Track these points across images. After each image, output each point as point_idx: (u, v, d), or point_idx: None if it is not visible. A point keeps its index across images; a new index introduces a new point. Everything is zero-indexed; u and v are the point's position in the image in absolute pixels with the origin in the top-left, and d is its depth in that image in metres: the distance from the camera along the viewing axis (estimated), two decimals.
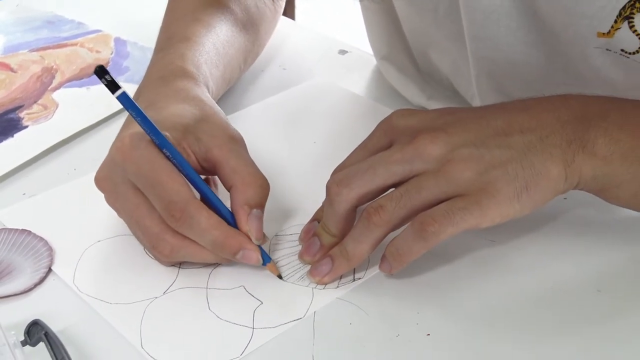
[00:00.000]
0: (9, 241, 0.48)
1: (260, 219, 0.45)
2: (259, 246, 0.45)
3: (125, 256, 0.48)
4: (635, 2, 0.48)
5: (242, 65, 0.65)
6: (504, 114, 0.46)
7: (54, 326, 0.41)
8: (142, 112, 0.43)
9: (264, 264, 0.45)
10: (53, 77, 0.68)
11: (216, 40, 0.59)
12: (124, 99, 0.43)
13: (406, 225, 0.44)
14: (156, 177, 0.43)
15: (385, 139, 0.47)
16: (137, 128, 0.45)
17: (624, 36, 0.49)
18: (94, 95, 0.65)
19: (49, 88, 0.66)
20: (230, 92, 0.65)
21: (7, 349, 0.37)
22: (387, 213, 0.43)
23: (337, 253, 0.46)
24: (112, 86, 0.43)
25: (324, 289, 0.46)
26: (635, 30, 0.49)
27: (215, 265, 0.47)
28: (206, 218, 0.43)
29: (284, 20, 0.76)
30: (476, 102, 0.63)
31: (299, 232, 0.49)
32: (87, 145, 0.59)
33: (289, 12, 0.80)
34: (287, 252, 0.49)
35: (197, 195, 0.45)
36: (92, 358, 0.41)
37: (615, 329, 0.43)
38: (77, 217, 0.51)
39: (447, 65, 0.65)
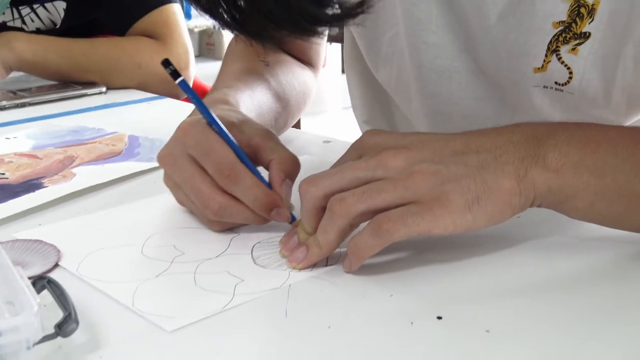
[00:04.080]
0: (22, 247, 0.55)
1: (290, 187, 0.55)
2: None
3: (125, 256, 0.54)
4: (558, 36, 0.57)
5: (272, 123, 0.74)
6: (462, 137, 0.52)
7: None
8: (197, 95, 0.56)
9: (291, 221, 0.55)
10: (73, 161, 0.77)
11: (252, 94, 0.70)
12: (183, 84, 0.55)
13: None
14: (210, 146, 0.54)
15: (355, 155, 0.54)
16: (188, 119, 0.57)
17: (556, 68, 0.59)
18: (108, 169, 0.74)
19: (69, 167, 0.75)
20: None
21: (23, 284, 0.42)
22: (347, 204, 0.49)
23: (310, 242, 0.51)
24: (175, 75, 0.55)
25: (300, 270, 0.51)
26: (564, 62, 0.58)
27: (204, 259, 0.53)
28: (250, 177, 0.54)
29: None
30: None
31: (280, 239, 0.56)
32: (100, 195, 0.67)
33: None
34: (269, 252, 0.54)
35: None
36: (91, 316, 0.46)
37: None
38: (84, 236, 0.58)
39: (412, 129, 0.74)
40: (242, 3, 0.43)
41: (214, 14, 0.45)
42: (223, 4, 0.44)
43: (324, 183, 0.51)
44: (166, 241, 0.56)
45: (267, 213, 0.54)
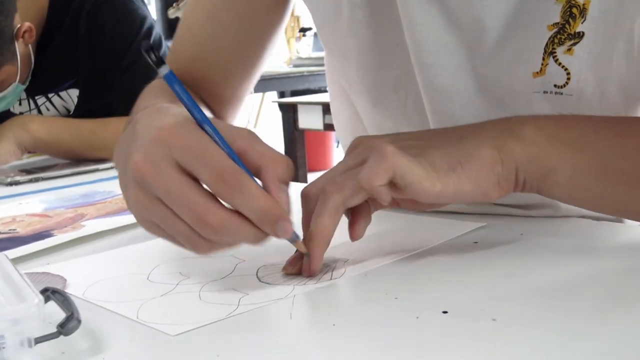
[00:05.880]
0: (29, 279, 0.55)
1: (287, 193, 0.48)
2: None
3: (131, 282, 0.54)
4: (554, 38, 0.59)
5: None
6: (443, 128, 0.57)
7: None
8: (186, 91, 0.47)
9: (294, 239, 0.49)
10: (83, 217, 0.78)
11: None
12: (169, 77, 0.46)
13: None
14: (205, 150, 0.45)
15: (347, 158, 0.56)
16: (170, 118, 0.48)
17: (554, 70, 0.60)
18: (116, 221, 0.75)
19: (79, 221, 0.76)
20: None
21: (25, 284, 0.42)
22: (338, 183, 0.51)
23: (306, 238, 0.51)
24: (158, 63, 0.46)
25: (304, 284, 0.51)
26: (560, 63, 0.59)
27: (209, 280, 0.53)
28: (255, 186, 0.46)
29: None
30: None
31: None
32: (107, 240, 0.68)
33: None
34: (274, 272, 0.54)
35: None
36: (95, 325, 0.45)
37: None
38: (91, 270, 0.58)
39: None
40: None
41: None
42: None
43: (320, 181, 0.53)
44: (172, 269, 0.56)
45: (270, 225, 0.46)
